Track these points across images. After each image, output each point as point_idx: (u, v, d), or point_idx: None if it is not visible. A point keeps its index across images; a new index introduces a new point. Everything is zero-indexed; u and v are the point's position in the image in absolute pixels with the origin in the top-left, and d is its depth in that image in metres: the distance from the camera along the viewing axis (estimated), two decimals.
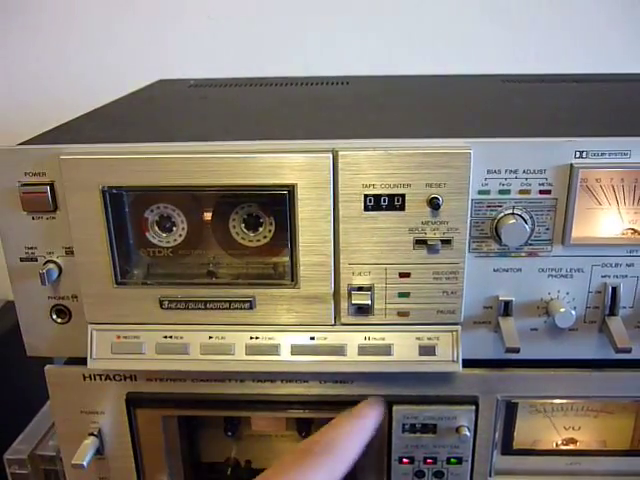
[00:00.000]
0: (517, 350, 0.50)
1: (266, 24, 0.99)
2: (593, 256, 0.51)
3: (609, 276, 0.51)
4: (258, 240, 0.52)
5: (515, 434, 0.58)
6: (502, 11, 0.98)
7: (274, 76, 0.85)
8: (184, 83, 0.82)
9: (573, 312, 0.50)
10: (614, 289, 0.51)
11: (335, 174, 0.48)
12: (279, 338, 0.52)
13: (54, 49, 1.00)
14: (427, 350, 0.52)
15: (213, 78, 0.84)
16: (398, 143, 0.48)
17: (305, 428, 0.61)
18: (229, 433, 0.61)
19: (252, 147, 0.48)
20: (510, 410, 0.57)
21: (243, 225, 0.52)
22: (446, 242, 0.49)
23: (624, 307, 0.52)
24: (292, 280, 0.51)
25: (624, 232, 0.51)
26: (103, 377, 0.56)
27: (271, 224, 0.52)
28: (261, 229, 0.52)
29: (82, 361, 0.54)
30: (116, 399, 0.57)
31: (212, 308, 0.52)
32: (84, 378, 0.56)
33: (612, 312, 0.52)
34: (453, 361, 0.52)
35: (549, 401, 0.57)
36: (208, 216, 0.52)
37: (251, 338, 0.52)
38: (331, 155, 0.47)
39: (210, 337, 0.52)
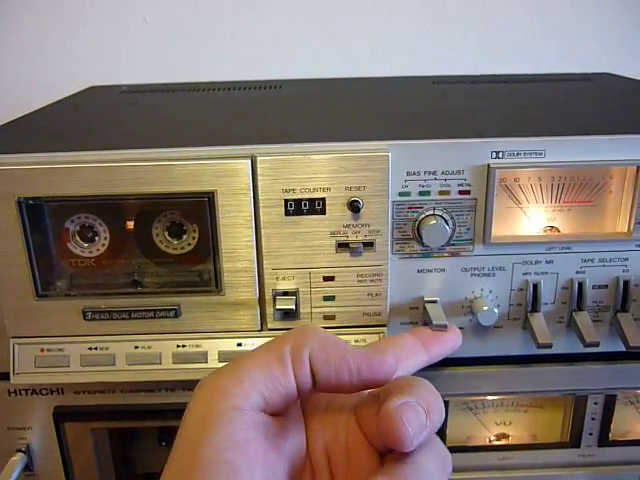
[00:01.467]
0: (445, 327, 0.50)
1: (204, 28, 0.98)
2: (514, 254, 0.51)
3: (530, 273, 0.52)
4: (182, 248, 0.52)
5: (447, 432, 0.59)
6: (438, 12, 0.99)
7: (208, 81, 0.84)
8: (116, 89, 0.81)
9: (496, 310, 0.51)
10: (535, 286, 0.52)
11: (254, 179, 0.48)
12: (206, 345, 0.52)
13: None
14: None
15: (146, 84, 0.83)
16: (316, 147, 0.48)
17: None
18: (163, 443, 0.60)
19: (170, 154, 0.48)
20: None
21: (166, 233, 0.51)
22: (368, 244, 0.50)
23: (545, 303, 0.53)
24: (216, 287, 0.50)
25: (543, 230, 0.52)
26: (29, 392, 0.55)
27: (194, 231, 0.51)
28: (185, 237, 0.51)
29: (5, 376, 0.52)
30: (43, 414, 0.56)
31: (137, 318, 0.51)
32: (9, 393, 0.55)
33: (534, 309, 0.53)
34: None
35: (479, 398, 0.58)
36: (130, 225, 0.51)
37: (178, 346, 0.52)
38: (249, 161, 0.47)
39: (136, 347, 0.52)
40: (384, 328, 0.52)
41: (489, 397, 0.58)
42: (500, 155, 0.48)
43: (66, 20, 0.97)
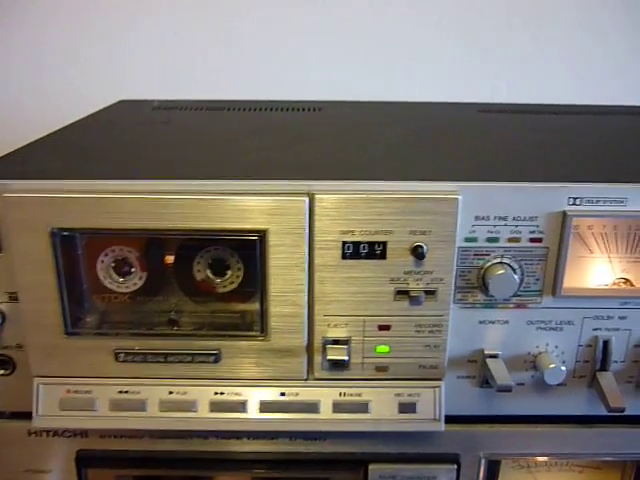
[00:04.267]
0: (509, 389, 0.46)
1: (235, 43, 0.95)
2: (585, 308, 0.47)
3: (601, 329, 0.48)
4: (224, 286, 0.48)
5: None
6: (471, 36, 0.96)
7: (241, 99, 0.81)
8: (147, 105, 0.77)
9: (563, 368, 0.47)
10: (605, 343, 0.48)
11: (311, 219, 0.44)
12: (247, 394, 0.48)
13: (5, 64, 0.94)
14: (407, 407, 0.48)
15: (178, 100, 0.80)
16: (380, 186, 0.44)
17: None
18: None
19: (220, 187, 0.44)
20: (492, 467, 0.53)
21: (208, 270, 0.48)
22: (430, 293, 0.45)
23: (615, 361, 0.49)
24: (262, 332, 0.46)
25: (616, 282, 0.48)
26: (51, 433, 0.51)
27: (239, 269, 0.47)
28: (228, 274, 0.48)
29: (27, 415, 0.49)
30: (65, 457, 0.51)
31: (173, 361, 0.47)
32: (29, 434, 0.51)
33: (603, 367, 0.49)
34: (435, 419, 0.48)
35: (540, 460, 0.54)
36: (170, 259, 0.48)
37: (216, 394, 0.48)
38: (307, 198, 0.43)
39: (170, 392, 0.48)
40: (440, 382, 0.48)
41: (543, 458, 0.54)
42: (578, 202, 0.45)
43: (91, 31, 0.93)
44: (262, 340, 0.47)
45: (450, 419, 0.49)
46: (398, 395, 0.48)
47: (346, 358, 0.46)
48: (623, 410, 0.47)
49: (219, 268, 0.47)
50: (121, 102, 0.80)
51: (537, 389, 0.50)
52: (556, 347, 0.48)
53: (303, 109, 0.75)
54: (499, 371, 0.46)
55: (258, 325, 0.47)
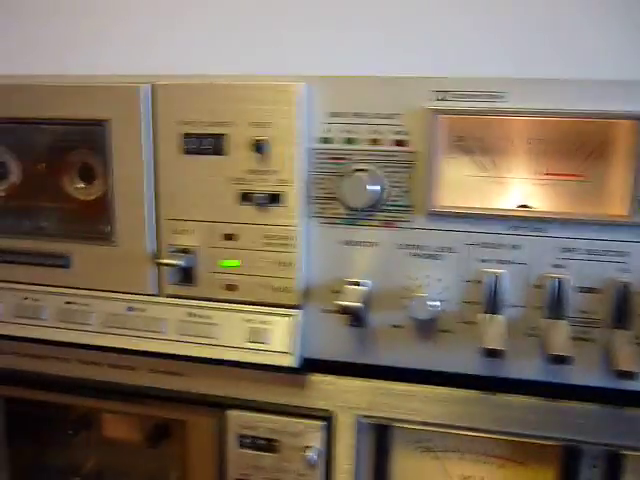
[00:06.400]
0: (354, 311, 0.39)
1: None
2: (467, 232, 0.40)
3: (491, 260, 0.40)
4: (85, 193, 0.46)
5: (394, 473, 0.45)
6: None
7: None
8: None
9: (433, 301, 0.39)
10: (496, 278, 0.39)
11: (152, 107, 0.41)
12: (95, 305, 0.45)
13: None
14: (257, 335, 0.42)
15: None
16: (221, 75, 0.41)
17: (159, 436, 0.51)
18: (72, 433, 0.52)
19: (69, 80, 0.43)
20: (382, 437, 0.44)
21: (73, 176, 0.46)
22: (275, 197, 0.41)
23: (513, 306, 0.40)
24: (110, 237, 0.44)
25: (513, 207, 0.40)
26: None
27: (102, 178, 0.45)
28: (92, 183, 0.46)
29: None
30: None
31: (26, 262, 0.46)
32: None
33: (493, 310, 0.40)
34: (288, 353, 0.42)
35: (423, 428, 0.44)
36: (34, 166, 0.47)
37: (66, 303, 0.45)
38: (148, 86, 0.41)
39: (25, 298, 0.46)
40: (297, 311, 0.42)
41: (442, 430, 0.44)
42: (446, 97, 0.38)
43: None
44: (110, 245, 0.44)
45: (323, 366, 0.43)
46: (249, 321, 0.42)
47: (190, 264, 0.42)
48: (500, 354, 0.37)
49: (84, 174, 0.46)
50: None
51: (419, 334, 0.41)
52: (439, 280, 0.40)
53: None
54: (352, 295, 0.40)
55: (108, 229, 0.44)
